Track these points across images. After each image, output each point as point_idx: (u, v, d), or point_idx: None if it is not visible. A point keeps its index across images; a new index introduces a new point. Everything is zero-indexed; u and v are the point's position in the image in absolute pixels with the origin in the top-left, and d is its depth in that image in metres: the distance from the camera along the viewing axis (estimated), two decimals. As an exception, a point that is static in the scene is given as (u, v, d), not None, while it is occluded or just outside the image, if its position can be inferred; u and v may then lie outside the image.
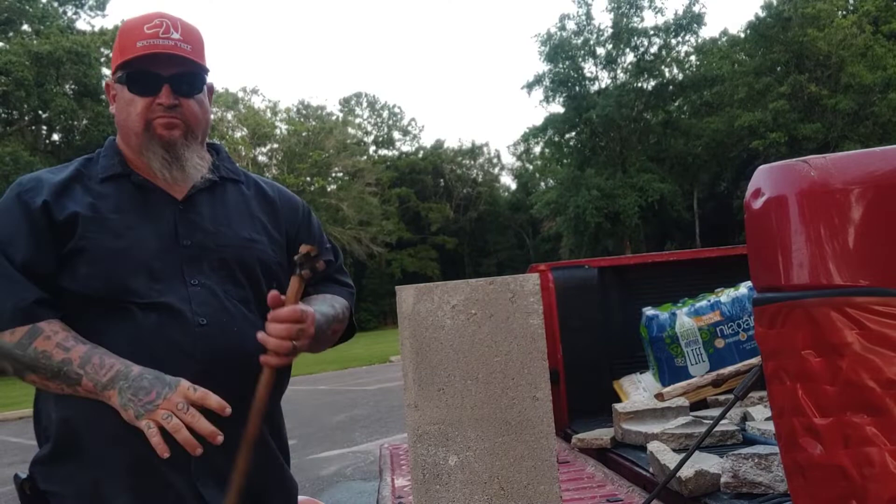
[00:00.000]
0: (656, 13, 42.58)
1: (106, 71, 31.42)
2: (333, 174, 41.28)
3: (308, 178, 37.21)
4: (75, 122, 27.10)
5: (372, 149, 49.57)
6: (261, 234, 1.46)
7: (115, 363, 1.25)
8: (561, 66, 34.76)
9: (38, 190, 1.35)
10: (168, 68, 1.37)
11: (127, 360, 1.26)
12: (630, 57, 34.97)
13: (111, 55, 1.48)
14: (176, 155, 1.38)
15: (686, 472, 1.65)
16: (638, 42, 34.59)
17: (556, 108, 35.86)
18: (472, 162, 51.14)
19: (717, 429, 1.93)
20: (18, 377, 1.29)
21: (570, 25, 35.21)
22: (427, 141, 67.89)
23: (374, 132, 51.30)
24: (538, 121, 44.84)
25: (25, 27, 26.87)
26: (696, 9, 33.82)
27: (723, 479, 1.61)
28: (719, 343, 2.54)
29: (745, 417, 2.18)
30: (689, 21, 33.96)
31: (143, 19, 1.38)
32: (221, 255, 1.39)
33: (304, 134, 39.08)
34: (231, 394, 1.30)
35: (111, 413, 1.25)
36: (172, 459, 1.24)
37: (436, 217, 45.40)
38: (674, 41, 34.83)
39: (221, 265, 1.38)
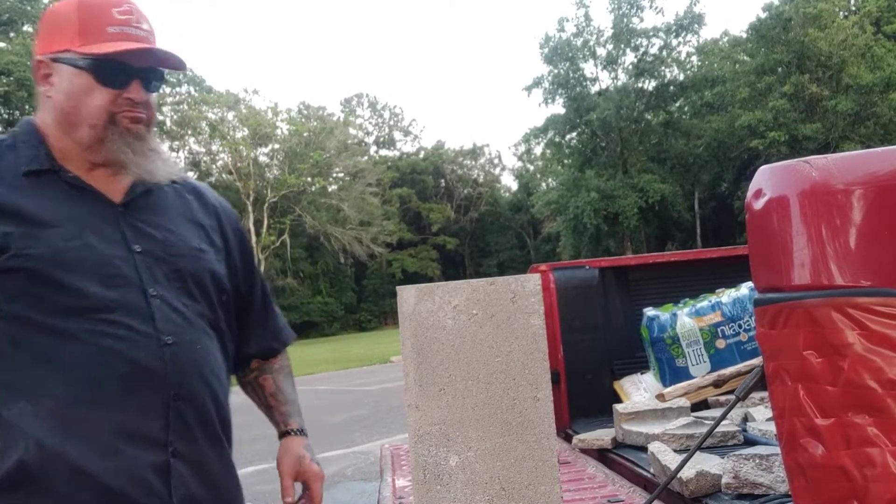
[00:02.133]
0: (657, 13, 42.61)
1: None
2: (334, 174, 41.31)
3: (309, 179, 37.24)
4: (76, 123, 27.07)
5: (373, 149, 49.64)
6: (206, 243, 1.36)
7: None
8: (560, 67, 34.77)
9: None
10: (139, 61, 1.25)
11: None
12: (630, 57, 35.01)
13: (42, 27, 1.29)
14: (150, 147, 1.28)
15: (687, 472, 1.65)
16: (638, 42, 34.61)
17: (557, 108, 35.92)
18: (473, 162, 51.19)
19: (718, 429, 1.92)
20: None
21: (570, 27, 35.25)
22: (428, 141, 68.02)
23: (375, 132, 51.37)
24: (539, 121, 44.99)
25: (27, 28, 26.90)
26: (696, 9, 33.85)
27: (724, 480, 1.61)
28: (720, 344, 2.54)
29: (746, 418, 2.18)
30: (690, 21, 33.97)
31: (109, 1, 1.25)
32: (175, 266, 1.27)
33: (305, 134, 39.10)
34: (199, 416, 1.25)
35: (74, 447, 1.14)
36: (148, 491, 1.17)
37: (436, 217, 45.43)
38: (675, 41, 34.87)
39: (176, 276, 1.27)
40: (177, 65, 1.31)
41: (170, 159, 1.35)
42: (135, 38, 1.25)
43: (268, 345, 1.55)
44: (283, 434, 1.51)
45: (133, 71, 1.25)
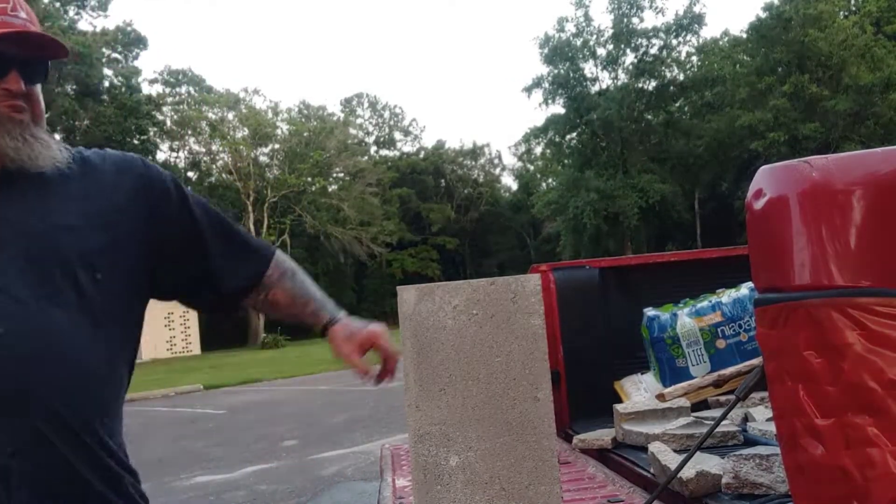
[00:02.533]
0: (657, 13, 42.62)
1: (107, 71, 31.47)
2: (334, 174, 41.30)
3: (309, 179, 37.23)
4: (77, 123, 27.16)
5: (373, 149, 49.62)
6: (80, 219, 1.23)
7: None
8: (560, 67, 34.79)
9: None
10: (16, 50, 1.17)
11: None
12: (631, 57, 35.04)
13: None
14: (32, 135, 1.20)
15: (687, 472, 1.65)
16: (638, 42, 34.63)
17: (557, 109, 35.95)
18: (474, 162, 51.21)
19: (718, 429, 1.92)
20: None
21: (570, 27, 35.28)
22: (428, 141, 67.97)
23: (376, 132, 51.37)
24: (539, 121, 45.02)
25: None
26: (696, 9, 33.88)
27: (724, 480, 1.61)
28: (720, 344, 2.54)
29: (746, 418, 2.18)
30: (690, 21, 33.99)
31: None
32: (27, 249, 1.16)
33: (305, 134, 39.09)
34: (47, 412, 1.13)
35: None
36: None
37: (437, 217, 45.44)
38: (675, 41, 34.89)
39: (28, 260, 1.15)
40: (56, 51, 1.24)
41: (58, 147, 1.25)
42: (9, 26, 1.17)
43: (252, 271, 1.44)
44: (323, 331, 1.46)
45: (8, 60, 1.17)
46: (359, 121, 50.00)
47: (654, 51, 34.70)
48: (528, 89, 35.82)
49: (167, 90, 37.70)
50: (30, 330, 1.13)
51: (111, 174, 1.31)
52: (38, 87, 1.24)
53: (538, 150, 44.45)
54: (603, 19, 59.28)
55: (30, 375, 1.12)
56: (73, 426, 1.15)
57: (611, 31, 34.63)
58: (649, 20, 51.76)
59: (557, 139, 36.77)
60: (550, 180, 42.83)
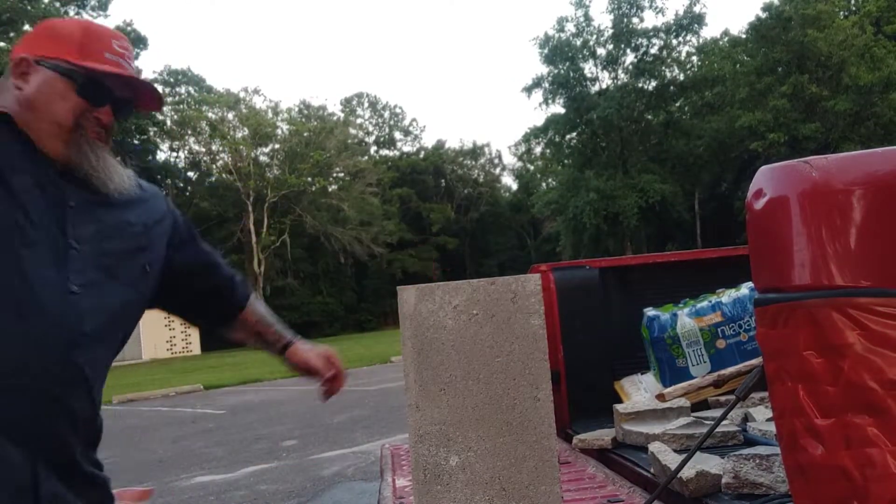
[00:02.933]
0: (657, 13, 42.64)
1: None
2: (335, 174, 41.31)
3: (309, 179, 37.24)
4: (77, 123, 27.05)
5: (373, 149, 49.65)
6: (136, 221, 1.42)
7: None
8: (560, 67, 34.79)
9: None
10: (119, 90, 1.37)
11: None
12: (630, 57, 35.04)
13: (33, 32, 1.39)
14: (110, 162, 1.36)
15: (687, 472, 1.65)
16: (638, 42, 34.63)
17: (557, 108, 35.95)
18: (474, 162, 51.25)
19: (718, 429, 1.92)
20: None
21: (570, 27, 35.28)
22: (428, 141, 68.04)
23: (376, 132, 51.40)
24: (539, 121, 45.04)
25: (27, 27, 26.90)
26: (696, 9, 33.89)
27: (724, 480, 1.61)
28: (720, 344, 2.54)
29: (746, 418, 2.18)
30: (690, 21, 34.00)
31: (111, 33, 1.39)
32: (101, 242, 1.33)
33: (305, 134, 39.08)
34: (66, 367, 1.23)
35: None
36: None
37: (437, 217, 45.46)
38: (675, 41, 34.89)
39: (101, 251, 1.32)
40: (149, 104, 1.44)
41: (127, 177, 1.41)
42: (124, 70, 1.37)
43: (245, 288, 1.70)
44: (286, 346, 1.73)
45: (111, 96, 1.36)
46: (359, 121, 50.02)
47: (654, 51, 34.71)
48: (528, 89, 35.85)
49: (167, 90, 37.69)
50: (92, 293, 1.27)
51: (149, 197, 1.51)
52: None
53: (538, 150, 44.41)
54: (603, 19, 59.25)
55: (77, 332, 1.24)
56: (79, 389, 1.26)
57: (611, 31, 34.64)
58: (649, 20, 51.89)
59: (557, 139, 36.75)
60: (550, 180, 42.84)
